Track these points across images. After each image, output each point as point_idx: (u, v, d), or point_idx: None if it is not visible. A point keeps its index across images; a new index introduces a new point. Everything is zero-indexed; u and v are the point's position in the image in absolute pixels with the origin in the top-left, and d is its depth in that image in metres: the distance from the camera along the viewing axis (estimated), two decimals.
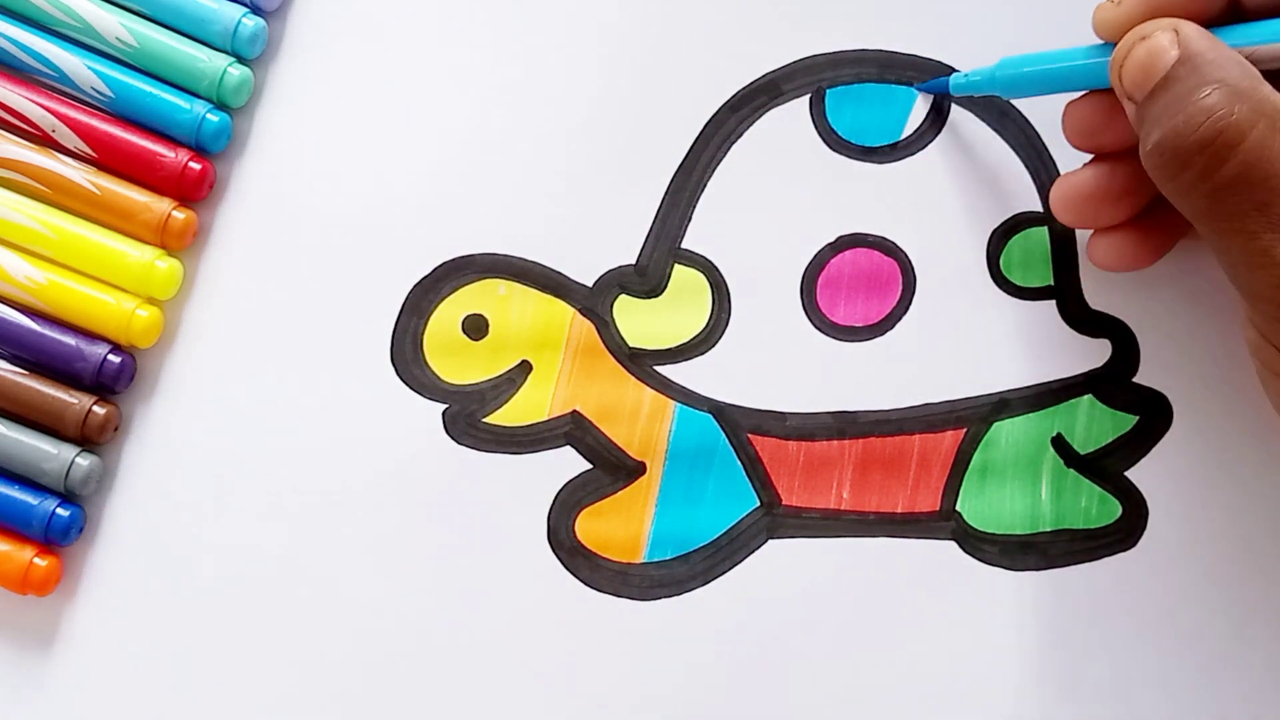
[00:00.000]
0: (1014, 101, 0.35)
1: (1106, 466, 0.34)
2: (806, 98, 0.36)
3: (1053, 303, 0.35)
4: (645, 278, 0.35)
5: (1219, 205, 0.27)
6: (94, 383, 0.34)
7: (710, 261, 0.35)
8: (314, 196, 0.36)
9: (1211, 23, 0.29)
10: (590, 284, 0.35)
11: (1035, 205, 0.35)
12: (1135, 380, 0.35)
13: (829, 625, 0.34)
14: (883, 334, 0.35)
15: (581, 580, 0.34)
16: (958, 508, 0.34)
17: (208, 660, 0.34)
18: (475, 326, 0.35)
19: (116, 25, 0.35)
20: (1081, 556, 0.34)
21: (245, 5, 0.36)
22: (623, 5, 0.36)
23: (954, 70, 0.36)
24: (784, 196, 0.35)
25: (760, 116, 0.36)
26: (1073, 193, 0.32)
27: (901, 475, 0.34)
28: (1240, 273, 0.28)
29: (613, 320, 0.35)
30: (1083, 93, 0.32)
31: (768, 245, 0.35)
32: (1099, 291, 0.35)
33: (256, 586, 0.34)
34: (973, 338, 0.35)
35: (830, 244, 0.35)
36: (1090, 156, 0.33)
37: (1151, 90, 0.28)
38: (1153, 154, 0.27)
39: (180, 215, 0.35)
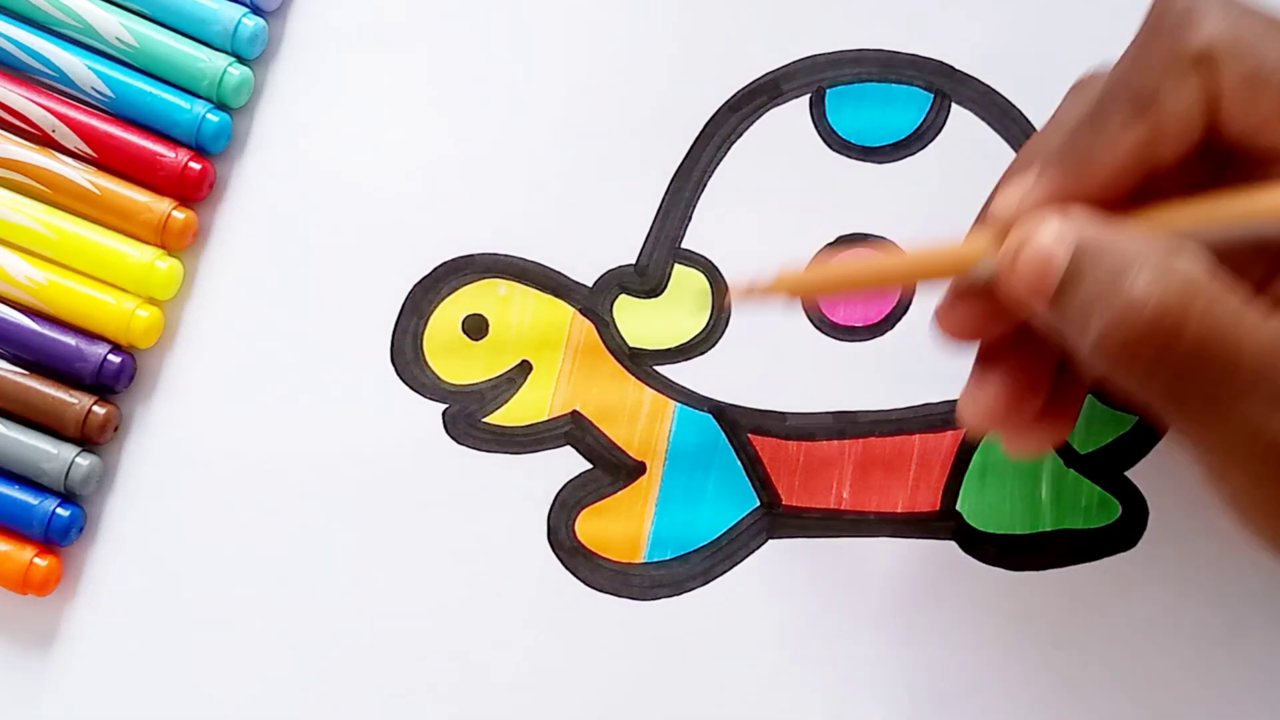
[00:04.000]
0: (1014, 101, 0.35)
1: (1106, 466, 0.34)
2: (806, 98, 0.36)
3: None
4: (645, 278, 0.35)
5: (1181, 390, 0.25)
6: (94, 383, 0.34)
7: (710, 261, 0.35)
8: (314, 196, 0.36)
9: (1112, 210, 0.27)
10: (590, 284, 0.35)
11: None
12: None
13: (829, 625, 0.34)
14: (883, 334, 0.35)
15: (581, 580, 0.34)
16: (958, 508, 0.34)
17: (208, 660, 0.34)
18: (475, 326, 0.35)
19: (116, 25, 0.35)
20: (1081, 556, 0.34)
21: (245, 5, 0.36)
22: (623, 5, 0.36)
23: (953, 69, 0.36)
24: (784, 197, 0.35)
25: (760, 116, 0.36)
26: (989, 413, 0.29)
27: (901, 475, 0.34)
28: (1215, 448, 0.26)
29: (613, 320, 0.35)
30: (948, 298, 0.29)
31: (768, 245, 0.35)
32: None
33: (256, 586, 0.34)
34: None
35: (830, 244, 0.35)
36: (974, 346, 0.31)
37: (1059, 289, 0.25)
38: (1096, 354, 0.25)
39: (180, 215, 0.35)
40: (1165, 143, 0.27)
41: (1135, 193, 0.27)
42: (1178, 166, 0.27)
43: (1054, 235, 0.26)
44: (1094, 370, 0.26)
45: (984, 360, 0.30)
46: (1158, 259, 0.25)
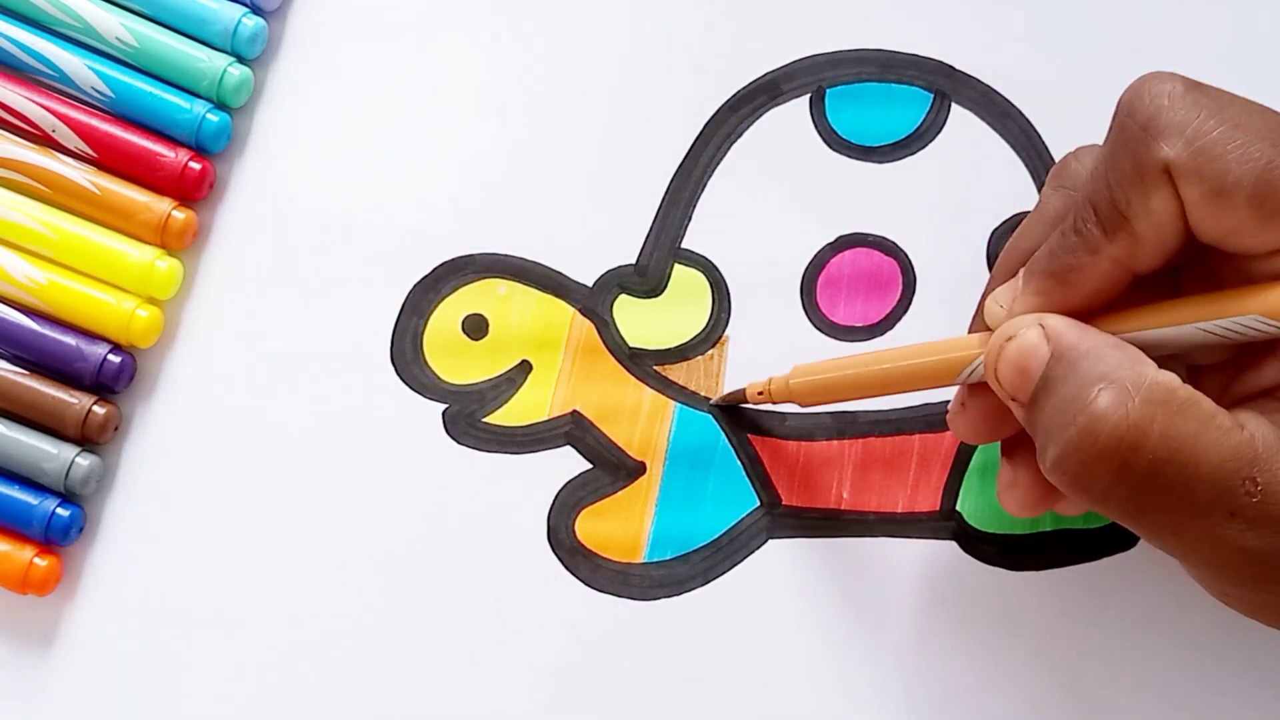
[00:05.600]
0: (1014, 101, 0.35)
1: None
2: (806, 98, 0.36)
3: None
4: (645, 278, 0.35)
5: (1140, 507, 0.25)
6: (94, 383, 0.34)
7: (710, 261, 0.35)
8: (314, 196, 0.36)
9: (1096, 313, 0.28)
10: (590, 284, 0.35)
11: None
12: None
13: (829, 625, 0.34)
14: (883, 334, 0.35)
15: (581, 580, 0.34)
16: (958, 508, 0.34)
17: (207, 660, 0.34)
18: (475, 326, 0.35)
19: (116, 25, 0.35)
20: (1081, 556, 0.34)
21: (245, 5, 0.36)
22: (623, 5, 0.36)
23: (953, 69, 0.36)
24: (784, 196, 0.35)
25: (760, 116, 0.36)
26: (1029, 504, 0.30)
27: (901, 475, 0.34)
28: (1178, 556, 0.26)
29: (613, 320, 0.35)
30: (959, 402, 0.31)
31: (768, 245, 0.35)
32: None
33: (256, 586, 0.34)
34: None
35: (830, 244, 0.35)
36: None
37: (1034, 394, 0.26)
38: (1055, 471, 0.25)
39: (180, 215, 0.35)
40: (1144, 255, 0.27)
41: (1122, 296, 0.28)
42: (1163, 270, 0.28)
43: (1035, 335, 0.27)
44: (1057, 486, 0.26)
45: (1011, 451, 0.31)
46: (1124, 373, 0.25)
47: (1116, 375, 0.25)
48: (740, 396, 0.34)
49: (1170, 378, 0.25)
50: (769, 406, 0.34)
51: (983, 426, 0.30)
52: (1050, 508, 0.30)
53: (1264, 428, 0.25)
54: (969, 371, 0.29)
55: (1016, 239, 0.30)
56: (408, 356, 0.35)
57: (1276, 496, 0.24)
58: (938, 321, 0.35)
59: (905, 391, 0.31)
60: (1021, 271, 0.29)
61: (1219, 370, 0.29)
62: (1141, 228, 0.26)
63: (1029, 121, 0.35)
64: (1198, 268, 0.28)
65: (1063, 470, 0.25)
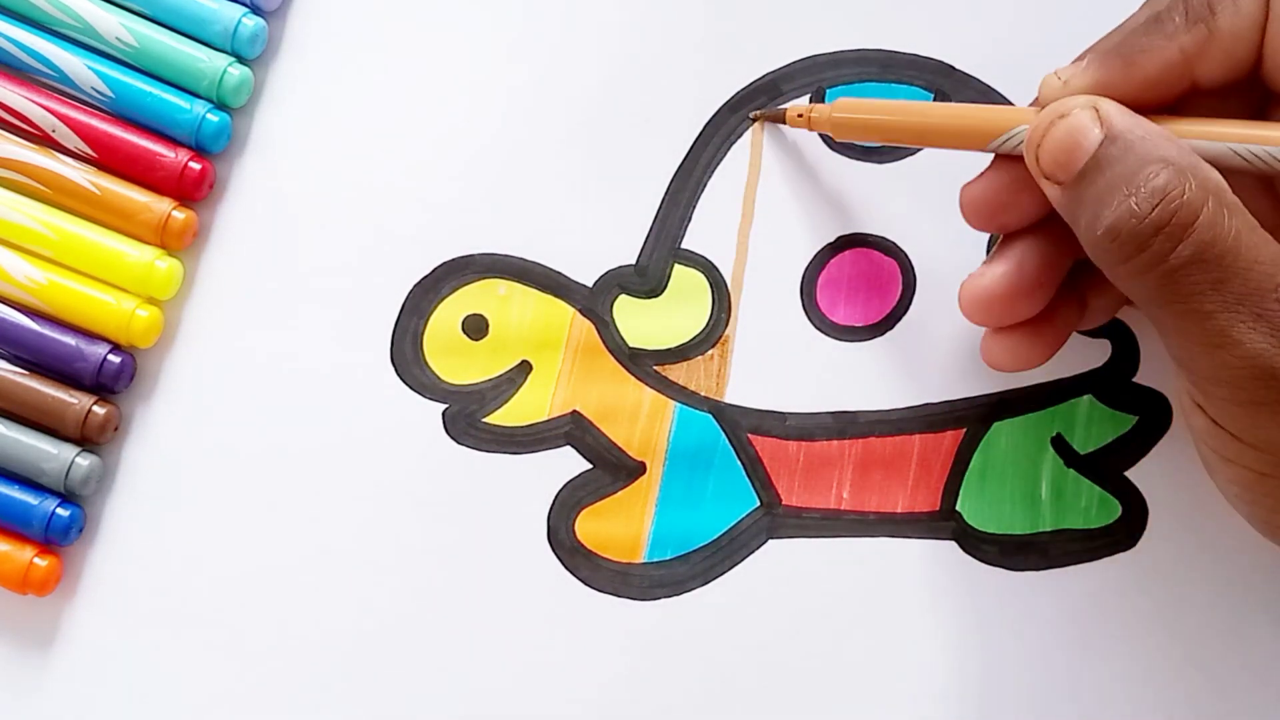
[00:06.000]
0: (1015, 101, 0.35)
1: (1106, 466, 0.34)
2: (806, 98, 0.36)
3: None
4: (645, 278, 0.35)
5: (1174, 287, 0.26)
6: (94, 383, 0.34)
7: (710, 261, 0.35)
8: (314, 196, 0.36)
9: (1145, 112, 0.28)
10: (590, 284, 0.35)
11: None
12: (1135, 380, 0.35)
13: (829, 625, 0.34)
14: (883, 334, 0.35)
15: (581, 580, 0.34)
16: (958, 508, 0.34)
17: (208, 660, 0.34)
18: (475, 326, 0.35)
19: (116, 25, 0.35)
20: (1081, 556, 0.34)
21: (245, 5, 0.36)
22: (623, 5, 0.36)
23: (953, 69, 0.36)
24: (784, 196, 0.35)
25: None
26: (985, 295, 0.31)
27: (901, 475, 0.34)
28: (1194, 354, 0.27)
29: (613, 320, 0.35)
30: (980, 174, 0.31)
31: (768, 245, 0.35)
32: None
33: (256, 586, 0.34)
34: (973, 338, 0.34)
35: (830, 244, 0.35)
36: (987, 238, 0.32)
37: (1082, 172, 0.27)
38: (1104, 238, 0.26)
39: (180, 215, 0.35)
40: (1213, 56, 0.28)
41: (1174, 105, 0.28)
42: (1218, 96, 0.28)
43: (1088, 117, 0.27)
44: (1097, 258, 0.27)
45: (999, 250, 0.31)
46: (1181, 160, 0.26)
47: (1175, 160, 0.26)
48: (780, 116, 0.34)
49: (1220, 177, 0.26)
50: (769, 406, 0.34)
51: (992, 202, 0.31)
52: (997, 313, 0.31)
53: None
54: (1005, 139, 0.29)
55: (1095, 43, 0.30)
56: (408, 356, 0.35)
57: None
58: (938, 322, 0.35)
59: (939, 145, 0.31)
60: (1087, 52, 0.29)
61: None
62: (1223, 24, 0.27)
63: None
64: (1247, 116, 0.29)
65: (1113, 237, 0.26)
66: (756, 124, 0.36)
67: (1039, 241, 0.31)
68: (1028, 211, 0.30)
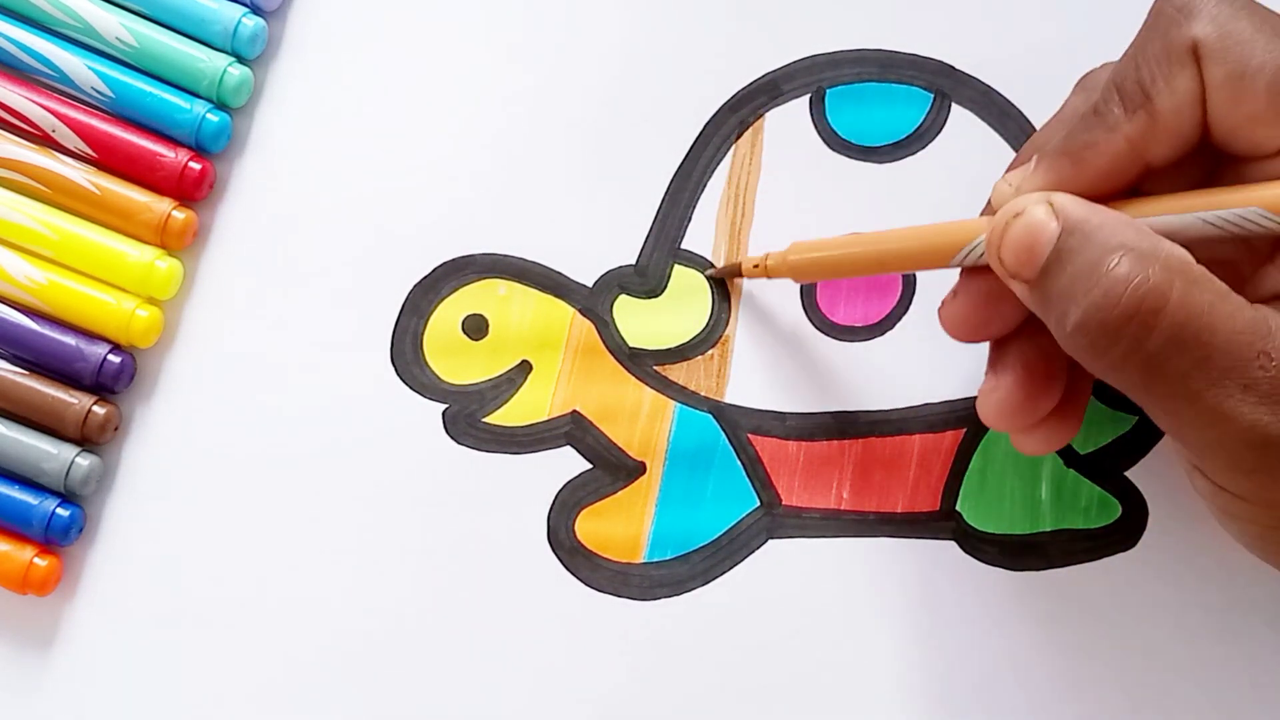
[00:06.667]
0: (1014, 101, 0.35)
1: (1106, 466, 0.34)
2: (806, 98, 0.36)
3: None
4: (645, 278, 0.35)
5: (1156, 373, 0.25)
6: (94, 383, 0.34)
7: (710, 262, 0.35)
8: (314, 196, 0.36)
9: (1103, 200, 0.28)
10: (590, 284, 0.35)
11: None
12: None
13: (829, 625, 0.34)
14: (883, 334, 0.35)
15: (581, 580, 0.34)
16: (958, 508, 0.34)
17: (207, 660, 0.34)
18: (475, 326, 0.35)
19: (116, 25, 0.35)
20: (1081, 556, 0.34)
21: (245, 5, 0.36)
22: (623, 6, 0.36)
23: (953, 69, 0.36)
24: (784, 196, 0.35)
25: (760, 116, 0.36)
26: (1004, 409, 0.30)
27: (901, 475, 0.34)
28: (1188, 433, 0.26)
29: (613, 320, 0.35)
30: (952, 293, 0.31)
31: (768, 245, 0.35)
32: None
33: (256, 586, 0.34)
34: None
35: None
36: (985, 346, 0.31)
37: (1045, 268, 0.26)
38: (1076, 335, 0.26)
39: (180, 215, 0.35)
40: (1159, 138, 0.27)
41: (1129, 190, 0.28)
42: (1172, 169, 0.28)
43: (1044, 211, 0.27)
44: (1075, 355, 0.27)
45: (996, 357, 0.31)
46: (1141, 244, 0.25)
47: (1134, 244, 0.26)
48: (735, 269, 0.34)
49: (1184, 252, 0.26)
50: (769, 406, 0.34)
51: (972, 318, 0.30)
52: (1024, 420, 0.30)
53: (1275, 314, 0.26)
54: (967, 252, 0.29)
55: (1034, 137, 0.30)
56: (408, 356, 0.35)
57: None
58: (938, 322, 0.35)
59: (901, 270, 0.31)
60: (1034, 156, 0.29)
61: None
62: (1162, 106, 0.27)
63: (1029, 121, 0.35)
64: (1203, 180, 0.29)
65: (1084, 333, 0.26)
66: (756, 124, 0.36)
67: (1032, 340, 0.30)
68: (1010, 317, 0.30)
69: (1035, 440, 0.31)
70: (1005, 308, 0.29)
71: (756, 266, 0.33)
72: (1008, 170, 0.30)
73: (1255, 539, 0.29)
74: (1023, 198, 0.28)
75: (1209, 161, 0.28)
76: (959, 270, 0.30)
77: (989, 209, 0.30)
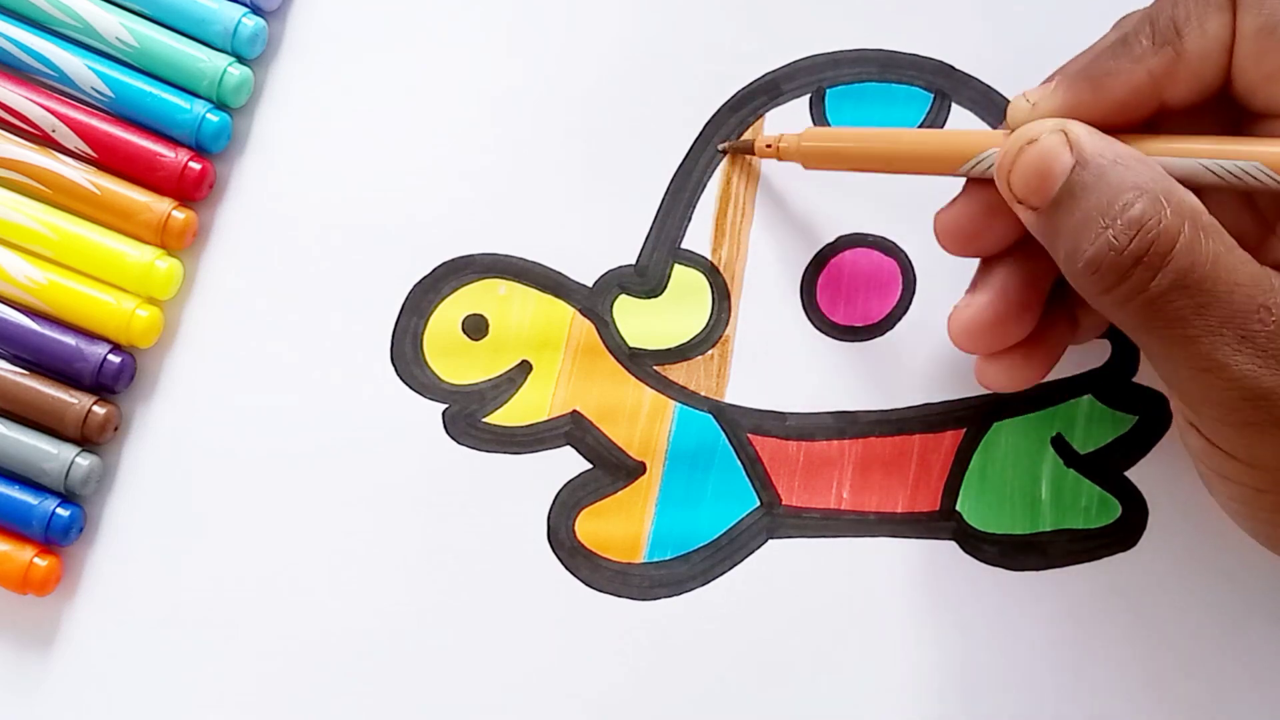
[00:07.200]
0: None
1: (1106, 466, 0.34)
2: (806, 98, 0.36)
3: None
4: (645, 278, 0.35)
5: (1157, 314, 0.26)
6: (94, 383, 0.34)
7: (710, 261, 0.35)
8: (314, 196, 0.36)
9: (1114, 133, 0.28)
10: (590, 284, 0.35)
11: None
12: (1135, 380, 0.35)
13: (829, 625, 0.34)
14: (883, 334, 0.35)
15: (581, 580, 0.34)
16: (958, 508, 0.34)
17: (208, 660, 0.34)
18: (475, 326, 0.35)
19: (116, 25, 0.35)
20: (1081, 556, 0.34)
21: (245, 5, 0.36)
22: (623, 5, 0.36)
23: (953, 69, 0.36)
24: (784, 196, 0.35)
25: (760, 116, 0.36)
26: (973, 325, 0.30)
27: (901, 475, 0.34)
28: (1183, 379, 0.27)
29: (613, 320, 0.35)
30: (952, 200, 0.31)
31: (768, 245, 0.35)
32: None
33: (256, 586, 0.34)
34: None
35: (830, 244, 0.35)
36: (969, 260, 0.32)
37: (1056, 199, 0.27)
38: (1085, 270, 0.26)
39: (180, 215, 0.35)
40: (1181, 78, 0.28)
41: (1143, 125, 0.28)
42: (1190, 113, 0.28)
43: (1058, 141, 0.27)
44: (1079, 288, 0.27)
45: (980, 275, 0.31)
46: (1156, 186, 0.26)
47: (1148, 186, 0.26)
48: (749, 146, 0.34)
49: (1196, 200, 0.26)
50: (769, 406, 0.34)
51: (967, 228, 0.30)
52: (989, 343, 0.31)
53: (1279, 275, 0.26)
54: (975, 163, 0.29)
55: (1064, 65, 0.30)
56: (408, 356, 0.35)
57: None
58: (938, 322, 0.35)
59: (909, 171, 0.31)
60: (1056, 74, 0.29)
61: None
62: (1190, 46, 0.27)
63: None
64: (1219, 132, 0.29)
65: (1095, 270, 0.26)
66: (756, 124, 0.36)
67: (1019, 264, 0.30)
68: (1004, 235, 0.30)
69: (997, 371, 0.31)
70: (1000, 225, 0.30)
71: (769, 146, 0.33)
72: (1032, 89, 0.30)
73: (1244, 504, 0.29)
74: (1037, 124, 0.28)
75: (1227, 114, 0.28)
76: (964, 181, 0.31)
77: (1004, 124, 0.30)
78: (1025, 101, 0.29)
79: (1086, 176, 0.26)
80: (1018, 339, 0.31)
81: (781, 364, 0.35)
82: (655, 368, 0.35)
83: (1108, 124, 0.28)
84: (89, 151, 0.35)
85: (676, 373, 0.35)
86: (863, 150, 0.32)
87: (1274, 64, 0.27)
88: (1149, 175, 0.26)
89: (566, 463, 0.35)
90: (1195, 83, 0.28)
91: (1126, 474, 0.34)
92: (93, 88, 0.35)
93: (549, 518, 0.34)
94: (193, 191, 0.35)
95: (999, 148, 0.29)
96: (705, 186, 0.35)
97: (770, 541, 0.34)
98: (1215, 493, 0.30)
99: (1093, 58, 0.28)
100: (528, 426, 0.35)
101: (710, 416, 0.35)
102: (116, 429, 0.35)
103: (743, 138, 0.35)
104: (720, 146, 0.35)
